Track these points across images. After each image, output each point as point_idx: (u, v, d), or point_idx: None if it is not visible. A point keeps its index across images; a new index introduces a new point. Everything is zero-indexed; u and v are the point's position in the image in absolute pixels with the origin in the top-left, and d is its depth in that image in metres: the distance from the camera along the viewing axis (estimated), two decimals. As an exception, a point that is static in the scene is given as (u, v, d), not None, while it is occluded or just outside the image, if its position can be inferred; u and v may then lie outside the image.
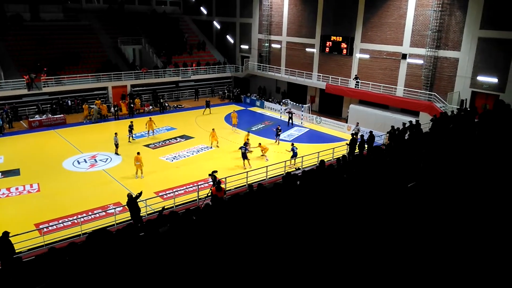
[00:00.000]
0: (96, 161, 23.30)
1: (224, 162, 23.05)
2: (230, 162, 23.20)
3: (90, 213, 16.70)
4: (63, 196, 18.71)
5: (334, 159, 16.37)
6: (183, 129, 29.92)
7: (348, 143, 20.54)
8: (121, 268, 5.59)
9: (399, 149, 12.72)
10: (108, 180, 20.70)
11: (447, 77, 26.82)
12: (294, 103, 34.61)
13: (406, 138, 16.92)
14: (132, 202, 13.96)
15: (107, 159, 23.68)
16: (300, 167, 19.66)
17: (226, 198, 13.64)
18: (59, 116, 31.14)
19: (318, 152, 20.90)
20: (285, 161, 19.82)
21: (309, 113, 34.23)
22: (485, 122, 10.89)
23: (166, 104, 36.48)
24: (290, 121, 32.04)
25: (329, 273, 5.20)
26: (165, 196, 18.20)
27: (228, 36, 45.16)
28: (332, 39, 33.77)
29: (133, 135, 27.14)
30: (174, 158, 24.05)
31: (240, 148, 22.35)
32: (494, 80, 24.21)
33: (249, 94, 41.34)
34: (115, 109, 32.87)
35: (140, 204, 14.56)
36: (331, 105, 35.02)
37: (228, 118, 32.77)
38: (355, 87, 31.68)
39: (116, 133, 24.58)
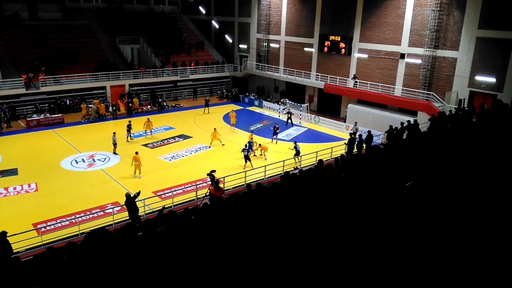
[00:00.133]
0: (94, 161, 23.26)
1: (222, 162, 23.05)
2: (229, 162, 23.19)
3: (88, 213, 16.70)
4: (61, 195, 18.69)
5: (333, 159, 16.38)
6: (182, 129, 29.91)
7: (346, 142, 20.61)
8: (119, 268, 5.58)
9: (397, 149, 12.75)
10: (106, 180, 20.68)
11: (445, 76, 26.88)
12: (293, 103, 34.63)
13: (404, 137, 16.95)
14: (130, 201, 13.97)
15: (105, 158, 23.65)
16: (299, 167, 19.68)
17: (224, 197, 13.67)
18: (57, 115, 31.10)
19: (317, 152, 20.94)
20: (284, 161, 19.83)
21: (308, 112, 34.26)
22: (483, 121, 10.90)
23: (165, 104, 36.45)
24: (290, 121, 32.06)
25: (327, 273, 5.20)
26: (163, 196, 18.19)
27: (226, 36, 45.14)
28: (330, 39, 33.78)
29: (131, 135, 27.11)
30: (172, 158, 24.03)
31: (243, 150, 22.27)
32: (492, 79, 24.27)
33: (247, 93, 41.33)
34: (113, 108, 32.84)
35: (138, 204, 14.55)
36: (329, 104, 35.07)
37: (226, 118, 32.78)
38: (354, 86, 31.72)
39: (114, 133, 24.56)
